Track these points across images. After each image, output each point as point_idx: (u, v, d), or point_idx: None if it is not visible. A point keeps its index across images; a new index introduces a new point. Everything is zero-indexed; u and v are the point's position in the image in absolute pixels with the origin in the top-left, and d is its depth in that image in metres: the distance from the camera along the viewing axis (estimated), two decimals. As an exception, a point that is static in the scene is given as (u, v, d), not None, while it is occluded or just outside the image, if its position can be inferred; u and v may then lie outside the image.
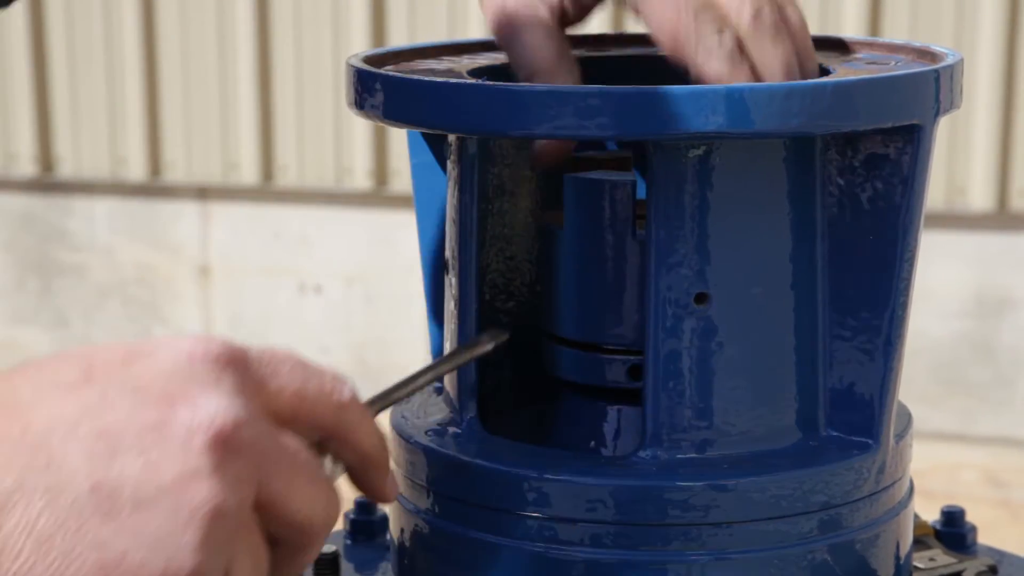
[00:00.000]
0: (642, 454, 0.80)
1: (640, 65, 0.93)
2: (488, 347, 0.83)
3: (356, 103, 0.83)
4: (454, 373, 0.86)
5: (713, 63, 0.80)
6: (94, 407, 0.63)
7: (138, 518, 0.62)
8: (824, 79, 0.79)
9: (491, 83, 0.81)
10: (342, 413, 0.69)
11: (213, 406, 0.64)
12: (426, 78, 0.82)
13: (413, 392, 0.79)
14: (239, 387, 0.65)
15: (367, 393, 0.74)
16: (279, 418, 0.67)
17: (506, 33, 0.86)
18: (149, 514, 0.62)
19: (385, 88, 0.81)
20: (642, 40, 0.94)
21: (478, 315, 0.85)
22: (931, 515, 1.02)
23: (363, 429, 0.71)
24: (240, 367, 0.66)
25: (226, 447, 0.63)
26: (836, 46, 0.93)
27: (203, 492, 0.62)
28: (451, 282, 0.86)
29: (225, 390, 0.65)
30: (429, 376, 0.80)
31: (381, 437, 0.72)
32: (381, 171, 4.00)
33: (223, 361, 0.66)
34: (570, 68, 0.86)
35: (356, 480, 0.72)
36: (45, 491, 0.61)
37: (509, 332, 0.83)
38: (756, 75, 0.80)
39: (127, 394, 0.64)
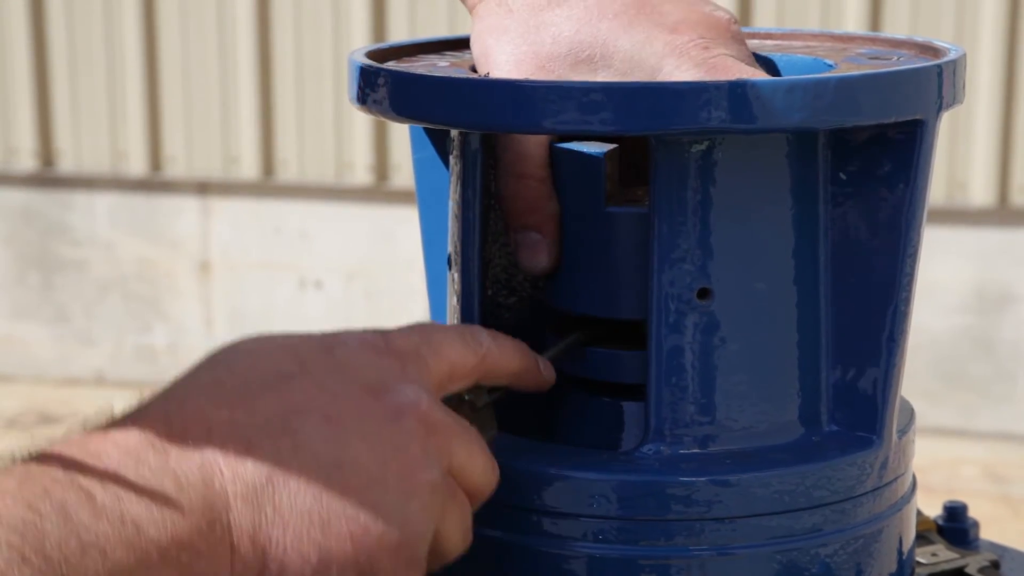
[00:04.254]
0: (645, 449, 0.81)
1: None
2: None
3: (359, 98, 0.83)
4: None
5: None
6: (318, 393, 0.72)
7: (372, 492, 0.71)
8: (827, 74, 0.79)
9: (494, 79, 0.81)
10: (484, 361, 0.79)
11: (410, 394, 0.74)
12: (430, 73, 0.82)
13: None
14: (418, 375, 0.75)
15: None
16: (439, 387, 0.77)
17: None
18: (381, 488, 0.71)
19: (389, 83, 0.81)
20: None
21: (481, 310, 0.85)
22: (932, 511, 1.02)
23: (506, 358, 0.80)
24: (412, 357, 0.76)
25: (425, 427, 0.73)
26: (838, 41, 0.93)
27: (418, 466, 0.72)
28: (453, 277, 0.86)
29: (411, 379, 0.75)
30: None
31: (519, 350, 0.81)
32: (382, 166, 4.00)
33: (400, 354, 0.75)
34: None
35: (516, 387, 0.82)
36: (298, 472, 0.69)
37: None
38: None
39: (340, 383, 0.73)
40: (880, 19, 3.67)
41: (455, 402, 0.79)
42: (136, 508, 0.65)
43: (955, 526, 1.00)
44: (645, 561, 0.79)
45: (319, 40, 3.97)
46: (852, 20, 3.66)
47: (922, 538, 0.96)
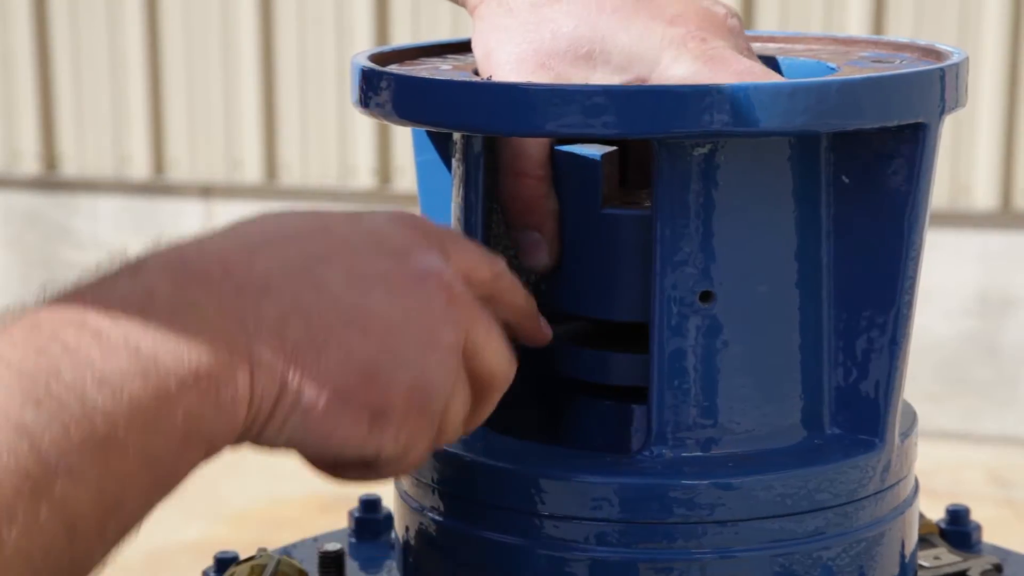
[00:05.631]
0: (647, 452, 0.81)
1: None
2: None
3: (362, 101, 0.83)
4: None
5: None
6: (342, 248, 0.72)
7: (392, 339, 0.71)
8: (830, 77, 0.79)
9: (497, 82, 0.82)
10: (498, 280, 0.79)
11: (435, 261, 0.74)
12: (433, 76, 0.82)
13: None
14: (443, 254, 0.75)
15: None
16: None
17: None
18: (400, 337, 0.71)
19: (392, 87, 0.81)
20: None
21: (483, 313, 0.85)
22: (935, 514, 1.02)
23: (516, 290, 0.81)
24: (436, 239, 0.76)
25: (448, 294, 0.74)
26: (841, 44, 0.93)
27: (439, 324, 0.73)
28: (456, 280, 0.86)
29: (436, 254, 0.75)
30: None
31: (527, 295, 0.82)
32: (384, 169, 4.00)
33: (426, 231, 0.76)
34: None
35: (514, 332, 0.81)
36: (317, 309, 0.69)
37: None
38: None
39: (364, 242, 0.73)
40: (883, 22, 3.67)
41: None
42: (150, 340, 0.64)
43: (958, 529, 1.00)
44: (647, 564, 0.79)
45: (322, 42, 3.97)
46: (855, 23, 3.66)
47: (924, 541, 0.96)
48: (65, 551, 0.60)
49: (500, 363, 0.77)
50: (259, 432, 0.69)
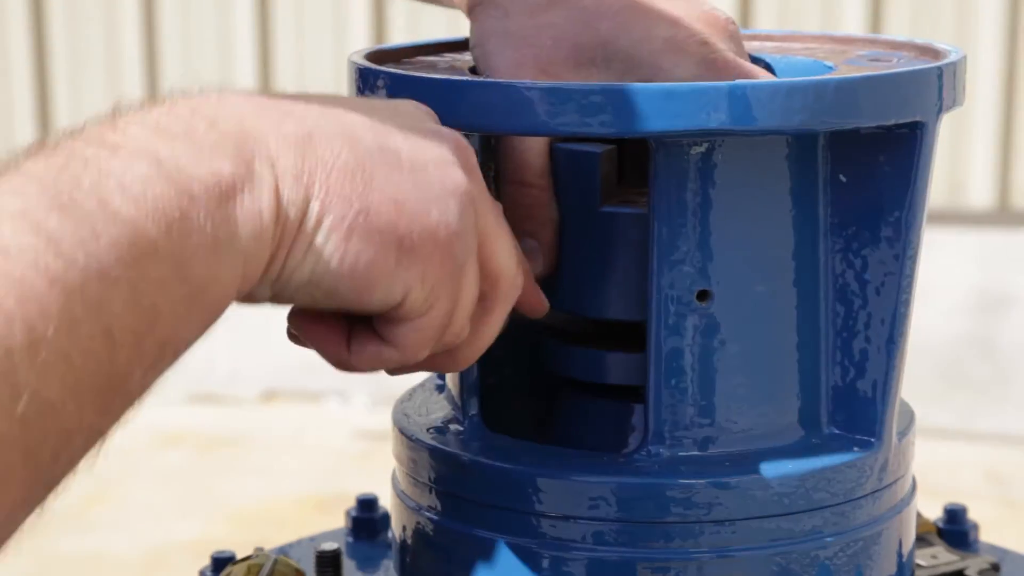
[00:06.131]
0: (644, 452, 0.81)
1: None
2: None
3: (358, 100, 0.83)
4: (456, 373, 0.86)
5: None
6: (359, 104, 0.72)
7: (417, 176, 0.70)
8: (827, 76, 0.79)
9: (493, 80, 0.81)
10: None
11: (449, 131, 0.74)
12: (428, 75, 0.82)
13: None
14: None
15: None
16: None
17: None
18: (424, 175, 0.70)
19: (388, 85, 0.81)
20: None
21: (480, 312, 0.85)
22: (932, 513, 1.02)
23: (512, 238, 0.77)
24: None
25: (465, 157, 0.73)
26: (838, 43, 0.93)
27: (459, 176, 0.72)
28: (453, 279, 0.86)
29: (448, 130, 0.75)
30: None
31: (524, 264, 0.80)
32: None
33: (436, 118, 0.76)
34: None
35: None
36: (342, 137, 0.69)
37: None
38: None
39: (381, 104, 0.74)
40: (880, 21, 3.67)
41: None
42: (169, 150, 0.63)
43: (955, 528, 1.00)
44: (644, 564, 0.79)
45: (319, 43, 3.97)
46: (852, 22, 3.66)
47: (922, 540, 0.96)
48: (104, 360, 0.58)
49: (507, 262, 0.75)
50: (286, 257, 0.67)
